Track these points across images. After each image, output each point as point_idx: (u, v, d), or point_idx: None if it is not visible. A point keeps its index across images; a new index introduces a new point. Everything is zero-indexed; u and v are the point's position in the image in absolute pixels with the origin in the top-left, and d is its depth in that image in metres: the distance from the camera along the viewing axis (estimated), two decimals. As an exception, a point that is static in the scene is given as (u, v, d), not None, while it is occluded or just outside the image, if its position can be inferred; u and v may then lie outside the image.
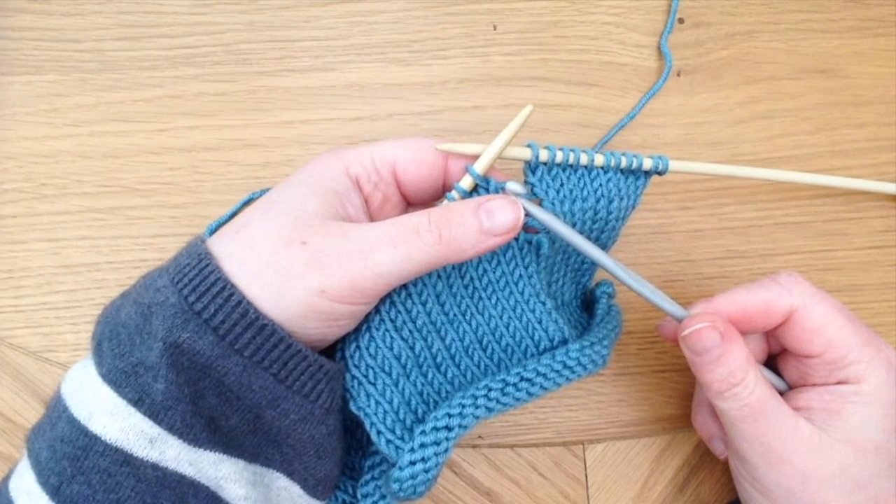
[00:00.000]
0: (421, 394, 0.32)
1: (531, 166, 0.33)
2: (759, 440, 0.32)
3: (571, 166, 0.34)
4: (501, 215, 0.30)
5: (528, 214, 0.33)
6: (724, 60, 0.47)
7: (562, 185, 0.34)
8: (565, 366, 0.33)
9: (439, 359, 0.34)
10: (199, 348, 0.27)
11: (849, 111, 0.47)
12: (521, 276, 0.34)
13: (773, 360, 0.37)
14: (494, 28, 0.47)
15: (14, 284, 0.42)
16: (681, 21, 0.48)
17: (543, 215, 0.33)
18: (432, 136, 0.34)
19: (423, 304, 0.33)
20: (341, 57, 0.46)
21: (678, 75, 0.47)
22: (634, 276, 0.34)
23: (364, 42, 0.46)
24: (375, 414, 0.31)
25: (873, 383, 0.32)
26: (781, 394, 0.34)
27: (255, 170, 0.44)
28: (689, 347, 0.33)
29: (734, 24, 0.48)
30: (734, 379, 0.31)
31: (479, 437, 0.42)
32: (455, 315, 0.34)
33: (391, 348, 0.32)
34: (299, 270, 0.28)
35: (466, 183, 0.33)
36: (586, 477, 0.41)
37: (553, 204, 0.33)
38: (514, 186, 0.33)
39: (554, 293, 0.37)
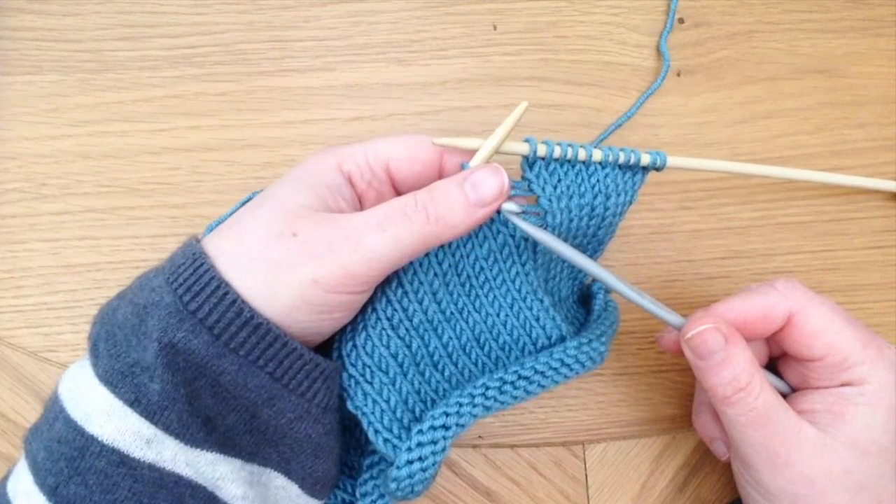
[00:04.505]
0: (418, 392, 0.32)
1: (529, 161, 0.33)
2: (764, 445, 0.31)
3: (569, 162, 0.34)
4: (486, 185, 0.30)
5: (523, 216, 0.33)
6: (724, 60, 0.47)
7: (559, 180, 0.34)
8: (563, 363, 0.33)
9: (436, 357, 0.33)
10: (194, 348, 0.27)
11: (849, 111, 0.47)
12: (517, 273, 0.34)
13: (775, 363, 0.37)
14: (494, 28, 0.47)
15: (14, 284, 0.42)
16: (681, 21, 0.48)
17: (542, 234, 0.32)
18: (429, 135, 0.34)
19: (420, 303, 0.33)
20: (341, 57, 0.46)
21: (678, 75, 0.47)
22: (630, 286, 0.33)
23: (364, 42, 0.46)
24: (373, 413, 0.31)
25: (877, 385, 0.32)
26: (784, 396, 0.33)
27: (255, 170, 0.44)
28: (693, 351, 0.32)
29: (734, 24, 0.48)
30: (739, 383, 0.31)
31: (479, 437, 0.41)
32: (452, 313, 0.34)
33: (388, 347, 0.32)
34: (290, 261, 0.28)
35: (463, 180, 0.32)
36: (586, 477, 0.41)
37: (550, 200, 0.33)
38: (510, 206, 0.32)
39: (551, 289, 0.37)
